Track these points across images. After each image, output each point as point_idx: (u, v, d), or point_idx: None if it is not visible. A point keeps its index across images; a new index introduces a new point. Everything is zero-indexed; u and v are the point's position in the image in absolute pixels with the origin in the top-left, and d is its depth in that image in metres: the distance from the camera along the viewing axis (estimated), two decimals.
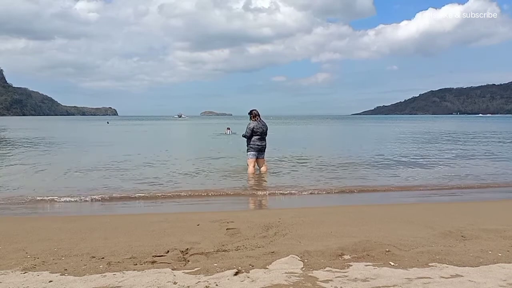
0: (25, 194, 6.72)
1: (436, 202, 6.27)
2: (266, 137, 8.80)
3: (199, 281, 2.58)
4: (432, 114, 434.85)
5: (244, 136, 8.76)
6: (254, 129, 8.58)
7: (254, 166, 8.69)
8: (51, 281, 2.63)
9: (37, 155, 13.78)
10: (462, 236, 3.66)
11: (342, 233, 3.82)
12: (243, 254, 3.18)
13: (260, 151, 8.67)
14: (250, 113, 8.77)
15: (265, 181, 8.06)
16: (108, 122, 73.95)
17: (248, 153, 8.71)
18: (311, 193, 6.81)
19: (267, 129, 8.78)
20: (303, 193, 6.79)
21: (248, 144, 8.69)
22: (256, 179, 8.25)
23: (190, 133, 34.57)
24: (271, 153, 10.77)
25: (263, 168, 8.74)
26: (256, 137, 8.60)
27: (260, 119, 8.73)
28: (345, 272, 2.74)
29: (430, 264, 2.91)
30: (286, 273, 2.72)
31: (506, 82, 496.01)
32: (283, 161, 11.18)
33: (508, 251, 3.21)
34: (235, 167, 9.84)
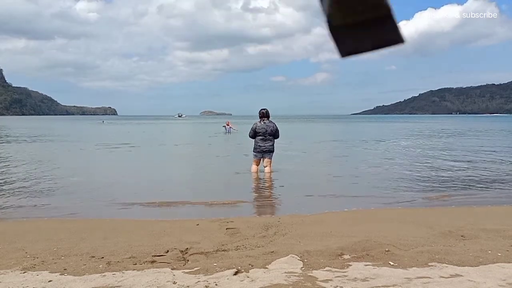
0: (26, 195, 6.72)
1: (436, 203, 6.26)
2: (272, 138, 8.57)
3: (198, 281, 2.57)
4: (432, 114, 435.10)
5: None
6: (256, 130, 8.49)
7: (257, 165, 8.62)
8: (50, 280, 2.63)
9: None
10: (461, 236, 3.66)
11: (342, 233, 3.81)
12: (243, 254, 3.17)
13: (262, 152, 8.53)
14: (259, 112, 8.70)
15: (266, 181, 8.03)
16: (103, 121, 70.22)
17: (252, 153, 8.69)
18: (309, 196, 6.79)
19: (273, 130, 8.49)
20: (302, 196, 6.78)
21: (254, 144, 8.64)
22: (255, 178, 8.23)
23: (198, 133, 34.56)
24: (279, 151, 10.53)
25: (267, 169, 8.60)
26: (259, 138, 8.48)
27: (265, 119, 8.57)
28: (345, 271, 2.74)
29: (429, 263, 2.91)
30: (285, 272, 2.72)
31: (506, 82, 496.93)
32: (288, 161, 11.13)
33: (507, 251, 3.21)
34: (237, 167, 9.82)
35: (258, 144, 8.48)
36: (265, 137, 8.46)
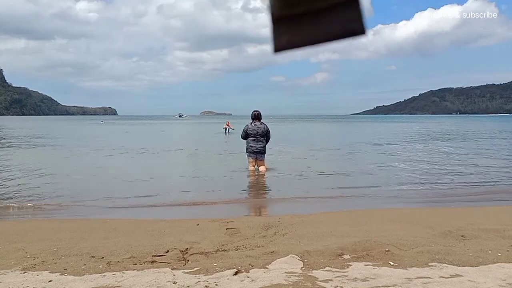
0: (25, 196, 6.72)
1: (436, 203, 6.26)
2: (263, 140, 8.64)
3: (198, 281, 2.57)
4: (432, 114, 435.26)
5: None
6: (248, 131, 8.63)
7: (254, 166, 8.71)
8: (50, 280, 2.63)
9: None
10: (461, 236, 3.66)
11: (342, 233, 3.81)
12: (243, 254, 3.17)
13: (254, 153, 8.66)
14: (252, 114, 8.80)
15: (264, 180, 8.05)
16: (103, 122, 70.30)
17: (246, 154, 8.82)
18: (308, 197, 6.79)
19: (263, 131, 8.58)
20: (302, 196, 6.78)
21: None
22: (254, 178, 8.25)
23: (199, 133, 34.55)
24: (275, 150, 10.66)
25: (261, 168, 8.70)
26: (250, 139, 8.63)
27: (257, 121, 8.64)
28: (345, 271, 2.74)
29: (429, 263, 2.91)
30: (285, 272, 2.72)
31: (506, 82, 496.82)
32: (288, 161, 11.13)
33: (507, 250, 3.21)
34: (237, 167, 9.82)
35: (250, 145, 8.66)
36: (256, 138, 8.60)
